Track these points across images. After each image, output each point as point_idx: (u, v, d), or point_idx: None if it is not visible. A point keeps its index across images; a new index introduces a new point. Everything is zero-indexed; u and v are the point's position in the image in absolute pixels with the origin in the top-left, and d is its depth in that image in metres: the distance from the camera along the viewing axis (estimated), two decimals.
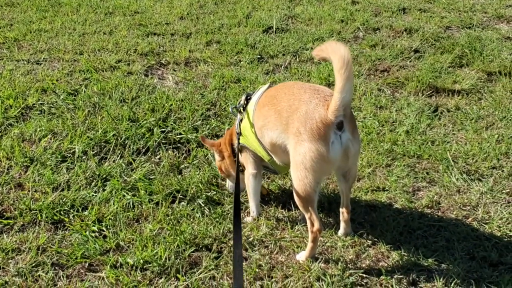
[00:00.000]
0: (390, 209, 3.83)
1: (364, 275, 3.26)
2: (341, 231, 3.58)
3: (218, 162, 3.96)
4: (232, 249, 3.45)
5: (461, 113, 5.09)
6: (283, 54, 6.50)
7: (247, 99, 3.63)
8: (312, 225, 3.24)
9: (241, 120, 3.64)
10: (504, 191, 4.00)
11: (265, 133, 3.42)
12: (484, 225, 3.66)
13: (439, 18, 7.65)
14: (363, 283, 3.22)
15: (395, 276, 3.23)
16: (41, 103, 5.27)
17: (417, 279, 3.22)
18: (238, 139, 3.62)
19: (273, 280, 3.23)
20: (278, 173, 3.95)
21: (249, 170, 3.70)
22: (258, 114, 3.44)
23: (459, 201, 3.88)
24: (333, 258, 3.38)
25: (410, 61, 6.26)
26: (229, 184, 4.04)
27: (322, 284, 3.17)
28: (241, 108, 3.64)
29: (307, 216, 3.25)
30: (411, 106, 5.17)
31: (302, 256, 3.37)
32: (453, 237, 3.53)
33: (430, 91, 5.51)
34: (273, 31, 7.22)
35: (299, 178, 3.14)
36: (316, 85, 3.46)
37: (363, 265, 3.35)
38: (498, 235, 3.57)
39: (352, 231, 3.57)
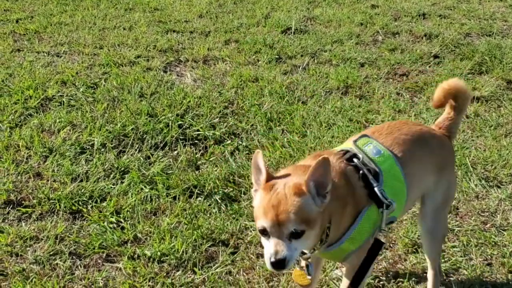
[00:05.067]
0: (408, 212, 3.81)
1: (381, 277, 3.26)
2: None
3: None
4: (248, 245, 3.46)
5: (480, 120, 5.06)
6: (301, 55, 6.50)
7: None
8: (440, 272, 3.08)
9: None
10: None
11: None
12: (503, 231, 3.64)
13: (459, 24, 7.61)
14: (380, 285, 3.21)
15: (412, 279, 3.22)
16: (60, 95, 5.31)
17: None
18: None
19: (289, 278, 3.23)
20: None
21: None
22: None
23: (477, 207, 3.86)
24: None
25: (429, 66, 6.23)
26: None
27: (339, 284, 3.16)
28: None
29: (438, 261, 3.05)
30: (430, 111, 5.14)
31: None
32: (471, 242, 3.51)
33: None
34: (291, 32, 7.22)
35: (445, 218, 2.98)
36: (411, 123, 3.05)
37: (380, 267, 3.34)
38: None
39: None
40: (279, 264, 2.29)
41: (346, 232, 2.52)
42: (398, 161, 2.65)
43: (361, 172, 2.56)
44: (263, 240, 2.37)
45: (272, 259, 2.28)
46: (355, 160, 2.60)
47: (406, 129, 2.83)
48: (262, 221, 2.32)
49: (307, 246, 2.42)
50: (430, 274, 3.06)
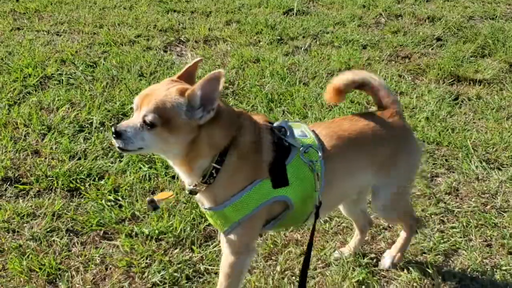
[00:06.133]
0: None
1: (379, 256, 3.24)
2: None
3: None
4: None
5: (482, 102, 5.02)
6: (303, 37, 6.44)
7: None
8: (415, 219, 3.11)
9: None
10: None
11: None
12: (503, 213, 3.61)
13: (463, 7, 7.54)
14: (378, 264, 3.19)
15: (410, 259, 3.20)
16: (59, 73, 5.26)
17: (433, 263, 3.19)
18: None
19: (288, 257, 3.21)
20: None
21: (248, 247, 2.57)
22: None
23: (478, 189, 3.83)
24: (349, 238, 3.35)
25: (432, 49, 6.17)
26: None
27: (337, 263, 3.15)
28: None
29: (411, 221, 3.06)
30: (432, 93, 5.10)
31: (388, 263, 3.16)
32: (471, 224, 3.49)
33: (452, 79, 5.44)
34: (293, 13, 7.15)
35: (403, 202, 2.98)
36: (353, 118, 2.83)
37: (379, 247, 3.32)
38: None
39: None
40: (116, 133, 2.25)
41: (234, 196, 2.39)
42: (322, 155, 2.52)
43: (275, 132, 2.47)
44: None
45: (114, 127, 2.27)
46: (275, 123, 2.53)
47: (347, 125, 2.70)
48: (135, 98, 2.34)
49: (159, 147, 2.31)
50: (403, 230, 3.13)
